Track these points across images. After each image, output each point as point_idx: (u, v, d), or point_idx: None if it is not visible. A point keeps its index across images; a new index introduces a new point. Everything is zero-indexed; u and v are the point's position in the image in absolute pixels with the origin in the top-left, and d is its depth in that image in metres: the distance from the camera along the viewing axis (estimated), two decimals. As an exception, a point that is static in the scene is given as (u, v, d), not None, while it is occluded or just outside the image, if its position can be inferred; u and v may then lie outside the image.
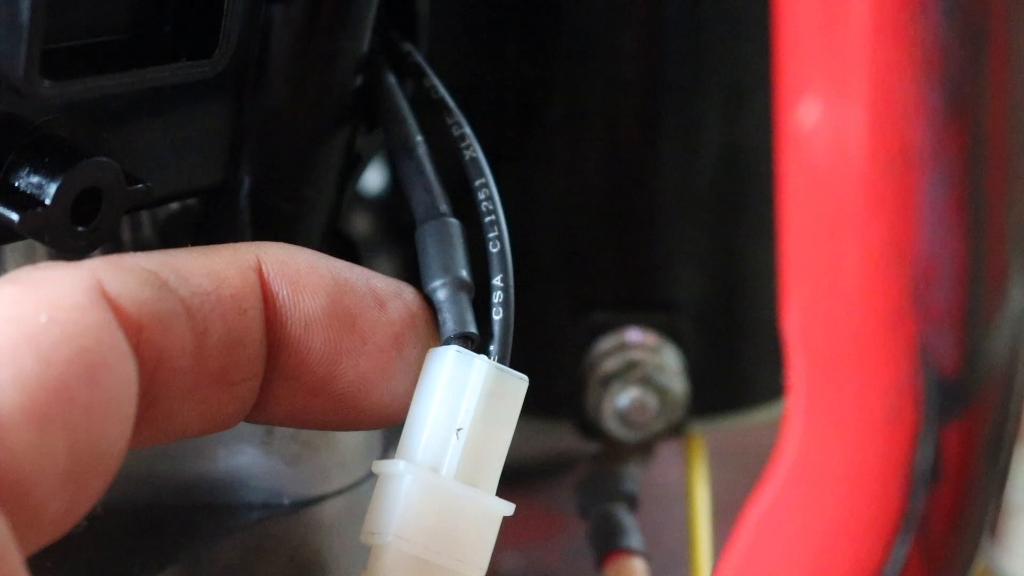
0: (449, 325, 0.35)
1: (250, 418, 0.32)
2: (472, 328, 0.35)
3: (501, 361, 0.34)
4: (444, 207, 0.37)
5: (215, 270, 0.31)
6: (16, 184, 0.33)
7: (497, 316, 0.35)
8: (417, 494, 0.32)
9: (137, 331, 0.29)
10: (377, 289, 0.33)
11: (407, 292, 0.34)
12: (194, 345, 0.30)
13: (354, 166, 0.41)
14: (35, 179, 0.33)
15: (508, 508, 0.33)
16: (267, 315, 0.31)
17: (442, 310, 0.35)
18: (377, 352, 0.32)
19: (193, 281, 0.30)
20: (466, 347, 0.34)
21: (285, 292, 0.31)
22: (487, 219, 0.36)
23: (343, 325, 0.32)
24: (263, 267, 0.32)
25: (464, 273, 0.36)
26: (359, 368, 0.32)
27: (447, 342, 0.34)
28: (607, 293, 0.48)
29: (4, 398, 0.25)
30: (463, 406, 0.33)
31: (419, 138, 0.38)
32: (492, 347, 0.35)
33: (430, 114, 0.39)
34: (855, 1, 0.27)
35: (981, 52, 0.27)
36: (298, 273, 0.32)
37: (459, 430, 0.33)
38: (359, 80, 0.39)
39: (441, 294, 0.35)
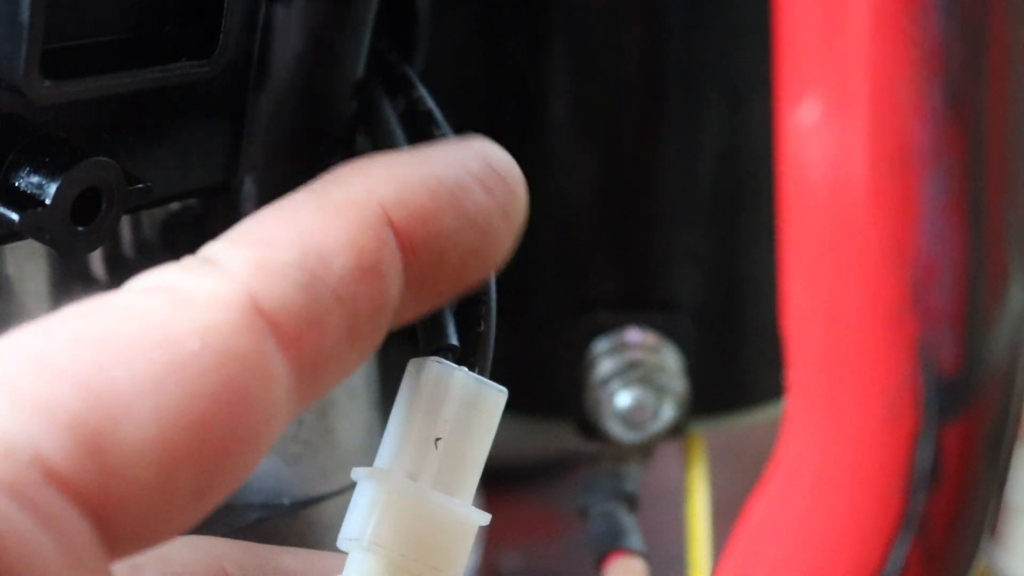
0: (429, 337, 0.35)
1: None
2: (453, 340, 0.35)
3: (481, 373, 0.34)
4: None
5: (352, 240, 0.29)
6: (16, 184, 0.33)
7: (480, 328, 0.35)
8: (394, 501, 0.32)
9: (296, 342, 0.27)
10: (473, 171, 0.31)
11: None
12: (348, 333, 0.28)
13: (354, 166, 0.41)
14: (35, 179, 0.33)
15: (484, 518, 0.33)
16: (404, 261, 0.30)
17: (423, 321, 0.35)
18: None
19: (337, 263, 0.28)
20: (447, 359, 0.34)
21: (418, 234, 0.30)
22: None
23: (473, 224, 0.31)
24: (391, 217, 0.30)
25: None
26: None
27: (428, 354, 0.34)
28: (607, 293, 0.48)
29: (140, 432, 0.24)
30: (442, 416, 0.33)
31: (406, 148, 0.38)
32: (473, 359, 0.35)
33: (417, 127, 0.39)
34: (855, 2, 0.27)
35: (981, 52, 0.27)
36: (421, 208, 0.30)
37: (438, 440, 0.33)
38: (359, 80, 0.39)
39: None
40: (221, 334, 0.26)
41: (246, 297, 0.27)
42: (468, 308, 0.35)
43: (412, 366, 0.34)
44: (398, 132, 0.39)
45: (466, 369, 0.34)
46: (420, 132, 0.39)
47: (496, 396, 0.34)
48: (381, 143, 0.39)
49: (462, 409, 0.33)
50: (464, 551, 0.33)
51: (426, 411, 0.33)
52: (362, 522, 0.32)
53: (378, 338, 0.30)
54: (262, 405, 0.26)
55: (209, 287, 0.27)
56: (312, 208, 0.29)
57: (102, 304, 0.26)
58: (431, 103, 0.39)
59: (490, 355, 0.35)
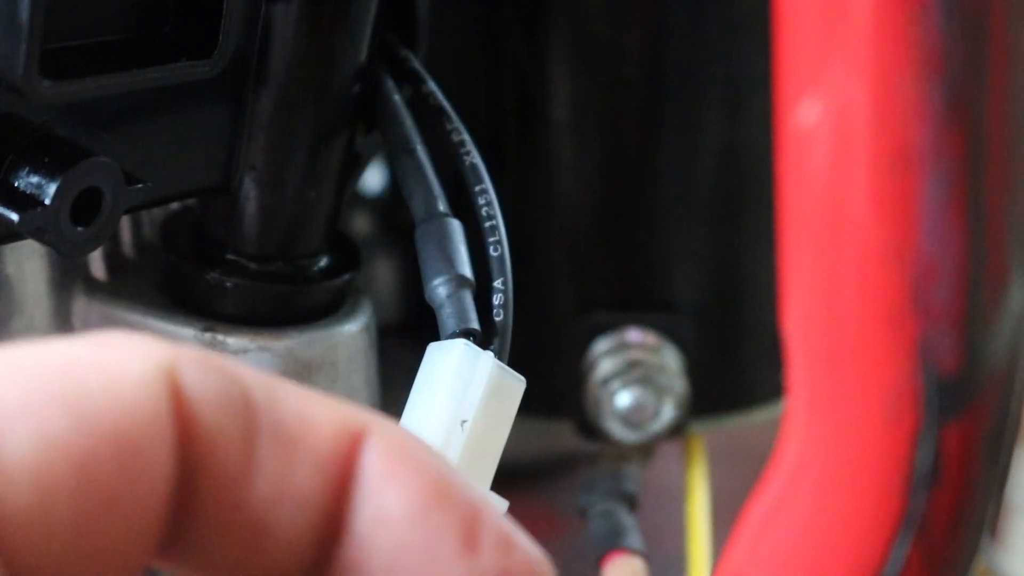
0: (452, 321, 0.35)
1: None
2: (475, 324, 0.35)
3: (500, 360, 0.34)
4: (443, 207, 0.37)
5: (311, 415, 0.27)
6: (16, 184, 0.33)
7: (498, 318, 0.35)
8: None
9: (189, 435, 0.25)
10: (481, 524, 0.26)
11: (519, 550, 0.26)
12: (244, 477, 0.26)
13: (354, 166, 0.41)
14: (35, 179, 0.33)
15: (502, 505, 0.33)
16: (345, 491, 0.27)
17: (444, 306, 0.35)
18: None
19: (278, 413, 0.26)
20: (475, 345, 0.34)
21: (375, 475, 0.27)
22: (487, 224, 0.37)
23: (419, 543, 0.26)
24: (367, 439, 0.27)
25: (465, 271, 0.36)
26: None
27: (451, 336, 0.34)
28: (607, 293, 0.48)
29: (16, 451, 0.23)
30: (468, 399, 0.33)
31: (418, 140, 0.38)
32: (493, 347, 0.35)
33: (428, 121, 0.39)
34: (855, 2, 0.27)
35: (981, 52, 0.27)
36: (400, 462, 0.27)
37: (464, 422, 0.33)
38: (359, 80, 0.39)
39: (442, 291, 0.35)
40: (126, 379, 0.25)
41: (170, 362, 0.25)
42: (484, 298, 0.35)
43: (435, 349, 0.34)
44: (410, 127, 0.39)
45: (491, 354, 0.34)
46: (431, 128, 0.39)
47: (517, 385, 0.34)
48: (392, 136, 0.39)
49: (487, 393, 0.33)
50: None
51: (454, 391, 0.33)
52: None
53: (285, 538, 0.26)
54: (151, 470, 0.25)
55: (138, 343, 0.26)
56: (303, 389, 0.27)
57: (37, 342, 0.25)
58: (442, 98, 0.39)
59: (508, 345, 0.35)
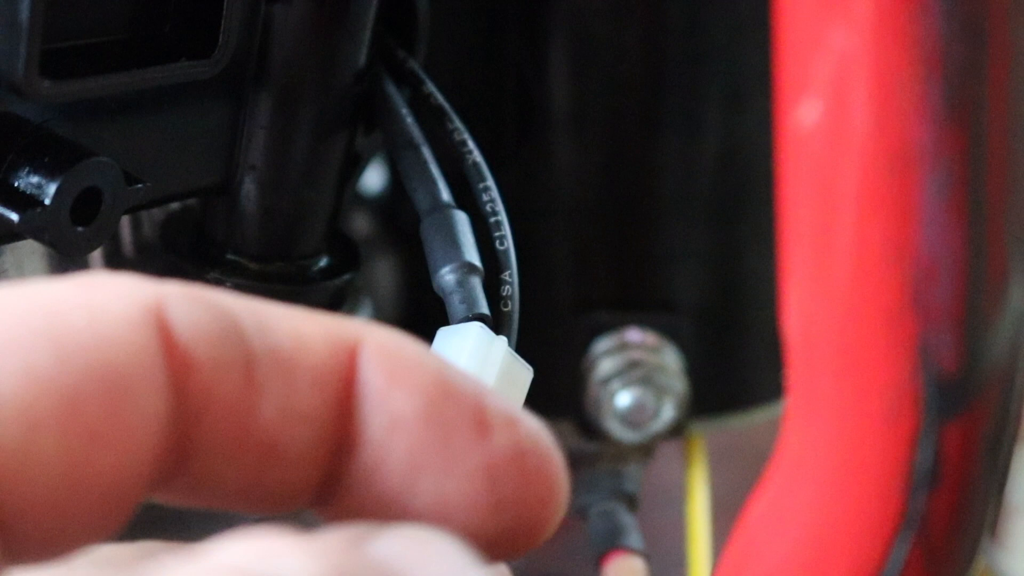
0: (464, 306, 0.35)
1: (317, 511, 0.28)
2: (485, 310, 0.35)
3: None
4: (448, 199, 0.37)
5: (302, 334, 0.27)
6: (16, 184, 0.33)
7: (506, 308, 0.35)
8: None
9: (185, 371, 0.25)
10: (487, 409, 0.27)
11: (525, 425, 0.28)
12: (247, 405, 0.26)
13: (354, 166, 0.41)
14: (35, 179, 0.33)
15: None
16: (350, 402, 0.27)
17: (454, 292, 0.35)
18: (466, 481, 0.27)
19: (271, 337, 0.26)
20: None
21: (377, 381, 0.27)
22: (492, 219, 0.37)
23: (434, 438, 0.27)
24: (361, 349, 0.27)
25: (474, 258, 0.36)
26: (441, 492, 0.27)
27: (463, 321, 0.34)
28: (607, 293, 0.48)
29: (2, 388, 0.23)
30: (483, 380, 0.33)
31: (420, 135, 0.39)
32: (503, 335, 0.35)
33: (429, 122, 0.39)
34: (855, 2, 0.27)
35: (981, 52, 0.27)
36: (399, 366, 0.27)
37: None
38: (359, 80, 0.39)
39: (451, 278, 0.36)
40: (109, 318, 0.25)
41: (153, 299, 0.25)
42: (491, 292, 0.35)
43: (448, 333, 0.34)
44: (412, 124, 0.39)
45: (505, 338, 0.34)
46: (432, 128, 0.39)
47: (526, 372, 0.34)
48: (393, 133, 0.39)
49: (500, 378, 0.33)
50: None
51: (470, 372, 0.33)
52: None
53: (296, 454, 0.27)
54: (141, 409, 0.25)
55: (120, 282, 0.25)
56: (289, 308, 0.28)
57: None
58: (442, 99, 0.39)
59: (515, 335, 0.35)
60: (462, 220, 0.37)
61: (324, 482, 0.27)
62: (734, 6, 0.46)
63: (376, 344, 0.27)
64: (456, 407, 0.27)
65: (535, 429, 0.27)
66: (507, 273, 0.36)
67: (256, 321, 0.26)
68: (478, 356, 0.33)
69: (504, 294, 0.35)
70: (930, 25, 0.27)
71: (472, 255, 0.36)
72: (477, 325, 0.33)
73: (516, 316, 0.35)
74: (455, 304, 0.35)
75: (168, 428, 0.25)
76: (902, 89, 0.27)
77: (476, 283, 0.35)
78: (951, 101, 0.27)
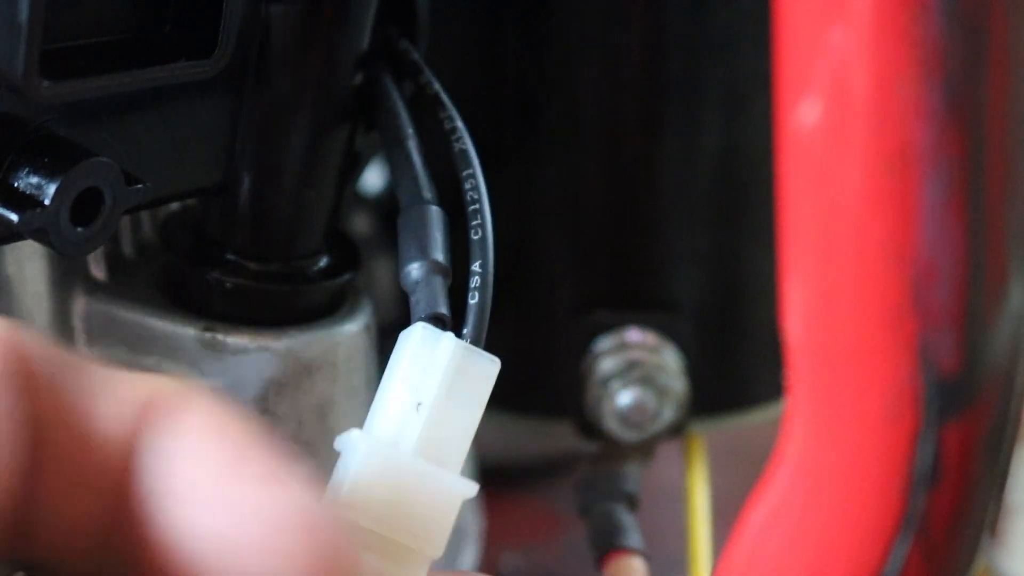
0: (421, 306, 0.35)
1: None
2: (443, 309, 0.34)
3: (475, 344, 0.34)
4: (427, 195, 0.37)
5: (96, 405, 0.25)
6: (16, 184, 0.33)
7: (473, 300, 0.35)
8: (370, 466, 0.31)
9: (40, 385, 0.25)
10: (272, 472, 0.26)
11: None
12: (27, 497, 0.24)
13: (354, 166, 0.41)
14: (35, 179, 0.33)
15: (470, 488, 0.32)
16: (127, 476, 0.25)
17: (415, 291, 0.35)
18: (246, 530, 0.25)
19: (64, 407, 0.25)
20: (436, 327, 0.34)
21: (160, 450, 0.25)
22: (471, 207, 0.37)
23: (218, 495, 0.25)
24: (155, 418, 0.26)
25: (440, 257, 0.36)
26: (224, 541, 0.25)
27: (419, 320, 0.34)
28: (607, 293, 0.48)
29: None
30: (426, 381, 0.32)
31: (410, 131, 0.38)
32: (465, 330, 0.34)
33: (426, 111, 0.39)
34: (855, 2, 0.27)
35: (981, 52, 0.27)
36: (184, 432, 0.26)
37: (419, 405, 0.32)
38: (359, 80, 0.39)
39: (415, 275, 0.35)
40: None
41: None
42: (465, 283, 0.35)
43: (401, 336, 0.33)
44: (405, 119, 0.39)
45: (452, 335, 0.33)
46: (427, 116, 0.39)
47: (487, 365, 0.33)
48: (387, 131, 0.39)
49: (448, 375, 0.32)
50: (447, 521, 0.31)
51: (407, 375, 0.32)
52: (334, 487, 0.31)
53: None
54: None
55: None
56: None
57: None
58: (438, 87, 0.39)
59: (484, 327, 0.34)
60: (435, 216, 0.37)
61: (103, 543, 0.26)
62: (734, 6, 0.46)
63: (171, 413, 0.25)
64: (240, 472, 0.25)
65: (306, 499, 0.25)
66: (479, 263, 0.36)
67: (52, 381, 0.25)
68: (420, 357, 0.33)
69: (472, 286, 0.35)
70: (930, 25, 0.27)
71: (438, 253, 0.36)
72: (420, 326, 0.33)
73: (487, 307, 0.35)
74: (414, 304, 0.35)
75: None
76: (902, 89, 0.27)
77: (438, 282, 0.35)
78: (951, 101, 0.27)
